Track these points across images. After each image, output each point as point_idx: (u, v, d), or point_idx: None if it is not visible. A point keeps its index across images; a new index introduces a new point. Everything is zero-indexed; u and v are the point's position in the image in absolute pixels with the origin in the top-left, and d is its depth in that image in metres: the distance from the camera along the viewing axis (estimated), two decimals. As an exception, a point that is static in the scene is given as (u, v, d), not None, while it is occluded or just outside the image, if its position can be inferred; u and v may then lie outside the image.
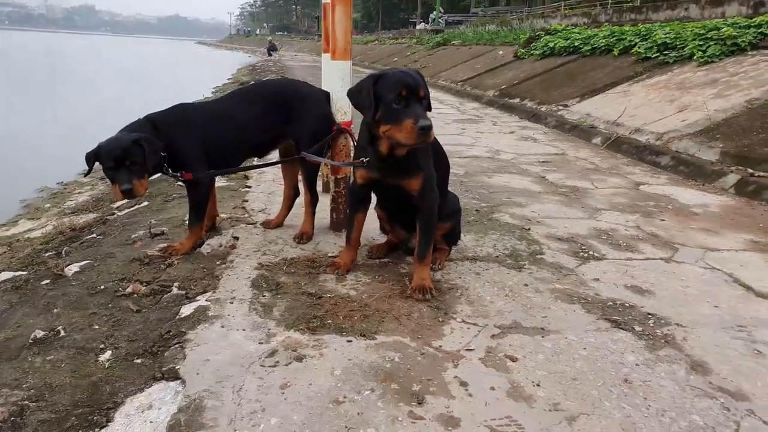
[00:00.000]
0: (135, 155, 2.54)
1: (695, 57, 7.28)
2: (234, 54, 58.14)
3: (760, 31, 7.07)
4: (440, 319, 2.18)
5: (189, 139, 2.78)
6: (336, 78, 2.88)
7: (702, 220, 3.52)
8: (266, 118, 2.90)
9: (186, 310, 2.22)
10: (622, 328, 2.11)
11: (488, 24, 22.77)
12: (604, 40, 9.86)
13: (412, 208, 2.46)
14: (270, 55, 39.18)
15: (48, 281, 2.69)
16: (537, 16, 19.16)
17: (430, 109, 2.32)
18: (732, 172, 4.39)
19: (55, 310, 2.31)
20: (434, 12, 37.53)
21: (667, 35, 8.23)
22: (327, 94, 3.03)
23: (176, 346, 1.96)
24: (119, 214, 3.98)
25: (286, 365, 1.84)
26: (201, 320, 2.12)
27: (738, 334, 2.09)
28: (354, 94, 2.33)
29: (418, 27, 42.98)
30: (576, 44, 10.73)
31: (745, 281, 2.58)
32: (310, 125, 2.91)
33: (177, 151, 2.73)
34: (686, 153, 5.03)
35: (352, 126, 3.07)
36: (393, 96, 2.15)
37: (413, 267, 2.46)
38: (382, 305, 2.28)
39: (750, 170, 4.32)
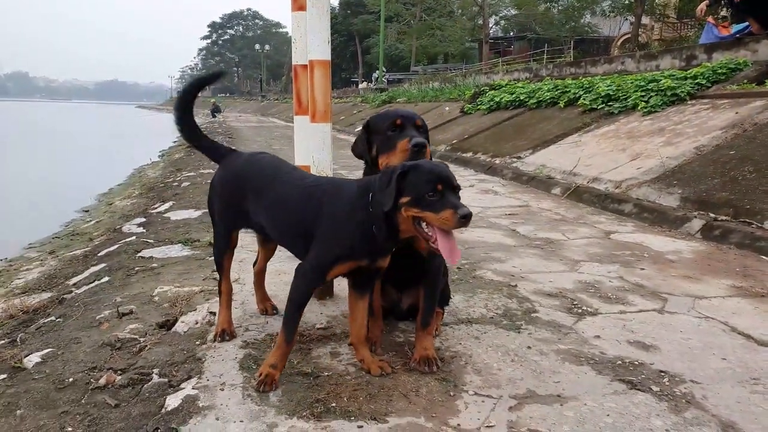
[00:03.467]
0: None
1: (639, 107, 7.69)
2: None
3: (696, 82, 7.56)
4: (451, 393, 2.05)
5: None
6: (317, 140, 2.81)
7: (680, 267, 3.58)
8: None
9: (172, 401, 2.00)
10: (639, 390, 2.04)
11: (431, 81, 23.59)
12: (549, 93, 10.32)
13: (413, 267, 2.35)
14: (213, 116, 39.07)
15: (5, 376, 2.39)
16: (479, 73, 20.01)
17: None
18: (696, 217, 4.54)
19: (19, 412, 2.04)
20: (377, 71, 38.70)
21: (609, 87, 8.69)
22: None
23: (167, 447, 1.74)
24: (77, 291, 3.68)
25: (297, 461, 1.65)
26: (192, 413, 1.91)
27: (755, 388, 2.05)
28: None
29: (360, 86, 44.21)
30: (521, 98, 11.18)
31: (742, 329, 2.58)
32: None
33: None
34: (647, 200, 5.20)
35: None
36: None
37: (415, 335, 2.34)
38: (386, 381, 2.13)
39: (712, 215, 4.48)
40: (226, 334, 2.50)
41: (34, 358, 2.51)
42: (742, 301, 2.96)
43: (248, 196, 2.37)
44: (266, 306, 2.84)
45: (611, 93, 8.56)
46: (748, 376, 2.14)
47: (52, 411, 2.03)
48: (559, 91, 10.11)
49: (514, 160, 8.30)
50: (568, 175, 6.72)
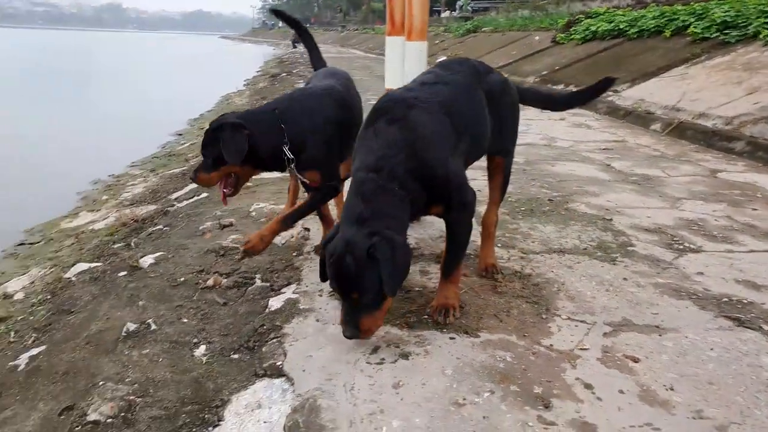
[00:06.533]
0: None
1: (761, 36, 6.91)
2: (258, 47, 58.34)
3: (833, 8, 6.67)
4: (543, 316, 2.04)
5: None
6: (413, 60, 2.75)
7: (797, 209, 3.30)
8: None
9: (275, 303, 2.14)
10: (748, 327, 1.95)
11: (520, 9, 22.24)
12: (653, 21, 9.47)
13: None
14: (294, 47, 38.97)
15: (125, 273, 2.64)
16: (574, 0, 18.61)
17: None
18: (818, 158, 4.13)
19: (141, 303, 2.25)
20: (462, -1, 36.88)
21: (727, 13, 7.83)
22: None
23: (274, 341, 1.88)
24: (179, 205, 3.94)
25: (393, 363, 1.73)
26: (294, 313, 2.04)
27: None
28: None
29: (443, 15, 42.42)
30: (621, 27, 10.34)
31: None
32: None
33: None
34: (763, 138, 4.76)
35: None
36: None
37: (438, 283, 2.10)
38: (477, 300, 2.16)
39: (838, 156, 4.05)
40: None
41: (148, 260, 2.75)
42: None
43: None
44: None
45: (728, 20, 7.71)
46: None
47: (168, 304, 2.23)
48: (665, 19, 9.24)
49: (610, 93, 7.78)
50: (671, 110, 6.25)
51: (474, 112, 2.07)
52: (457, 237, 2.00)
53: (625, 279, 2.36)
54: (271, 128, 2.26)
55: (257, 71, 21.58)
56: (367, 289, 1.64)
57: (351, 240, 1.65)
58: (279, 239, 2.87)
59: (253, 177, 2.76)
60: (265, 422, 1.50)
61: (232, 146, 2.14)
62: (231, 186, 2.32)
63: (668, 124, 5.86)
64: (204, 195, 4.07)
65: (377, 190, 1.74)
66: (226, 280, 2.40)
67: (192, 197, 4.25)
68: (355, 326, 1.67)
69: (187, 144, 7.88)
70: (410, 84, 2.12)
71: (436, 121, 1.88)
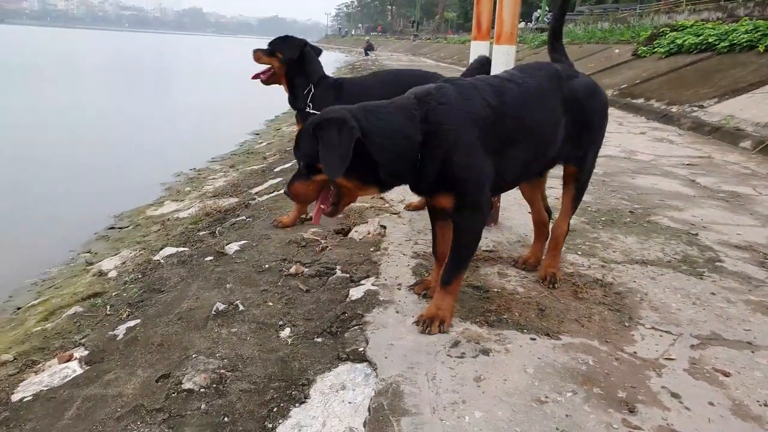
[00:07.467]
0: None
1: None
2: (331, 53, 59.53)
3: None
4: (626, 324, 2.00)
5: None
6: (500, 64, 2.76)
7: None
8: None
9: (355, 293, 2.20)
10: None
11: (599, 22, 21.69)
12: (746, 36, 9.00)
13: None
14: (367, 54, 39.58)
15: (212, 258, 2.79)
16: (658, 12, 17.94)
17: None
18: None
19: (228, 285, 2.38)
20: (539, 10, 36.38)
21: (828, 30, 7.36)
22: None
23: (355, 328, 1.94)
24: (260, 199, 4.11)
25: (473, 357, 1.75)
26: (374, 304, 2.09)
27: None
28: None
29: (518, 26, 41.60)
30: (710, 41, 9.89)
31: None
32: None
33: None
34: None
35: None
36: None
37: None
38: (556, 304, 2.14)
39: None
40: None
41: (233, 247, 2.89)
42: None
43: None
44: None
45: (830, 35, 7.24)
46: None
47: (254, 288, 2.34)
48: (759, 33, 8.76)
49: (695, 108, 7.47)
50: (763, 127, 5.92)
51: (537, 120, 2.03)
52: (462, 241, 1.91)
53: (713, 293, 2.27)
54: None
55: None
56: (301, 156, 1.81)
57: (323, 113, 1.78)
58: (356, 235, 2.95)
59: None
60: (350, 403, 1.56)
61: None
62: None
63: (760, 142, 5.55)
64: (282, 191, 4.22)
65: (406, 109, 1.80)
66: (307, 269, 2.50)
67: (272, 192, 4.41)
68: (288, 186, 1.85)
69: (264, 143, 8.17)
70: (486, 76, 2.14)
71: (486, 115, 1.85)
